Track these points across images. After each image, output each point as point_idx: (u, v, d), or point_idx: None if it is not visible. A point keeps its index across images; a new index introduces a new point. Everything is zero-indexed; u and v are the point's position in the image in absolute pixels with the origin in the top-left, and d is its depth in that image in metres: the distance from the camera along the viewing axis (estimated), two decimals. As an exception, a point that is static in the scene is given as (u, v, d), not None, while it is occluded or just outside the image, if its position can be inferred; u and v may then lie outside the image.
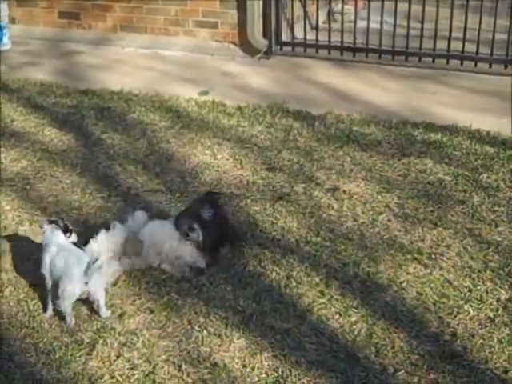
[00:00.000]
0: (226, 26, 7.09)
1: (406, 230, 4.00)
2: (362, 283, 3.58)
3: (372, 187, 4.46)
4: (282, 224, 4.09)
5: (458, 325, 3.28)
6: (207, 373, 3.06)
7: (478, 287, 3.52)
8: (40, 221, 3.75)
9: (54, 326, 3.35)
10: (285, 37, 6.96)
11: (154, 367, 3.09)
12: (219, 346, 3.20)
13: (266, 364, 3.09)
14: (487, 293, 3.48)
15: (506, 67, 6.19)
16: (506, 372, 3.02)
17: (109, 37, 7.55)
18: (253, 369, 3.07)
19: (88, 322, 3.36)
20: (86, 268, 3.26)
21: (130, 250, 3.73)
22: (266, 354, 3.14)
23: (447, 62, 6.40)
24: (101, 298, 3.37)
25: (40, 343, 3.25)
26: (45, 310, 3.45)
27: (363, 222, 4.09)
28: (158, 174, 4.72)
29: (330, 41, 6.72)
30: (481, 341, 3.18)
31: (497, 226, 4.02)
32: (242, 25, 6.97)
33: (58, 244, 3.48)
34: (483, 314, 3.34)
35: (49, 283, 3.43)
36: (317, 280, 3.61)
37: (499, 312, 3.35)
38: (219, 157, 4.92)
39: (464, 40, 6.23)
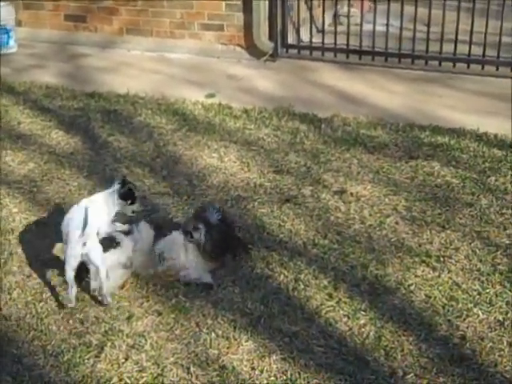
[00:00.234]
0: (232, 29, 7.10)
1: (413, 233, 3.99)
2: (370, 286, 3.57)
3: (379, 190, 4.45)
4: (289, 226, 4.08)
5: (467, 328, 3.27)
6: (216, 375, 3.05)
7: (487, 290, 3.50)
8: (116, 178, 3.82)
9: (62, 328, 3.35)
10: (291, 39, 6.97)
11: (162, 370, 3.08)
12: (227, 348, 3.19)
13: (274, 367, 3.08)
14: (496, 296, 3.46)
15: (512, 70, 6.19)
16: (515, 375, 3.01)
17: (115, 40, 7.58)
18: (261, 371, 3.06)
19: (96, 325, 3.36)
20: (83, 228, 3.28)
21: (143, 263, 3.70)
22: (274, 357, 3.13)
23: (454, 65, 6.40)
24: (100, 265, 3.38)
25: (48, 345, 3.24)
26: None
27: (371, 225, 4.08)
28: (165, 176, 4.72)
29: (335, 43, 6.73)
30: (490, 344, 3.17)
31: (505, 229, 4.00)
32: (247, 27, 6.98)
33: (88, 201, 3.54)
34: (492, 317, 3.33)
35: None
36: (325, 283, 3.60)
37: (508, 315, 3.34)
38: (226, 159, 4.92)
39: (470, 43, 6.23)
